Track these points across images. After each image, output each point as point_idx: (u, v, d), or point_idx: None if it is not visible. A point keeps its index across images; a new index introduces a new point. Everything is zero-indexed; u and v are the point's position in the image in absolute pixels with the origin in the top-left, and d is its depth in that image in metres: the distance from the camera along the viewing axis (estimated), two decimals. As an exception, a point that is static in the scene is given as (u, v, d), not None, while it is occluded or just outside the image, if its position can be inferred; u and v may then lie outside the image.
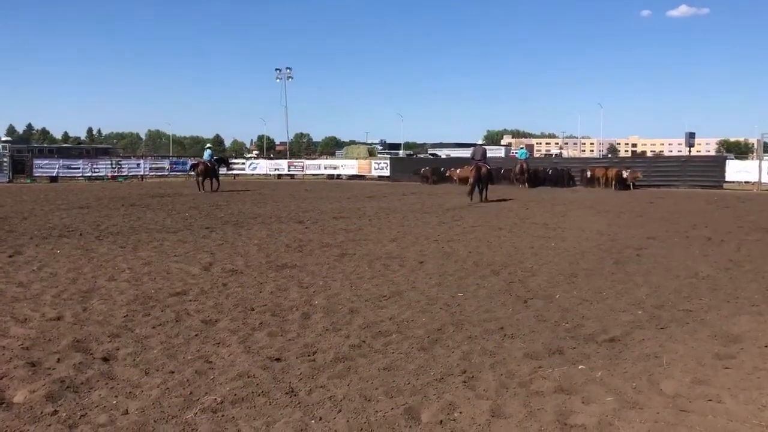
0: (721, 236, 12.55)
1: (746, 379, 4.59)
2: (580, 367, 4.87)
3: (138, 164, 45.52)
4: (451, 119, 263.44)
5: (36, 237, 11.97)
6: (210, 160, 29.53)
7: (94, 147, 79.66)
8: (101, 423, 3.85)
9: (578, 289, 7.65)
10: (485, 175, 21.64)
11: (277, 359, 5.01)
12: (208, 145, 33.79)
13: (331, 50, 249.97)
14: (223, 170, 33.78)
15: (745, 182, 32.33)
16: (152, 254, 10.08)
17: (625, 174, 31.37)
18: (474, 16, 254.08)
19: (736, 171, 33.09)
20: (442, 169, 38.75)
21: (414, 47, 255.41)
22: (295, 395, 4.30)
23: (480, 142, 26.21)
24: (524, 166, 32.96)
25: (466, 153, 52.50)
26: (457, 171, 36.00)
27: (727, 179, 32.25)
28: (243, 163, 51.51)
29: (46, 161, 41.66)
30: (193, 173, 30.29)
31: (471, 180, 21.37)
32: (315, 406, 4.11)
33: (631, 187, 30.77)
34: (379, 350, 5.27)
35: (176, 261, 9.47)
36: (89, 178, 40.42)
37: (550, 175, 33.61)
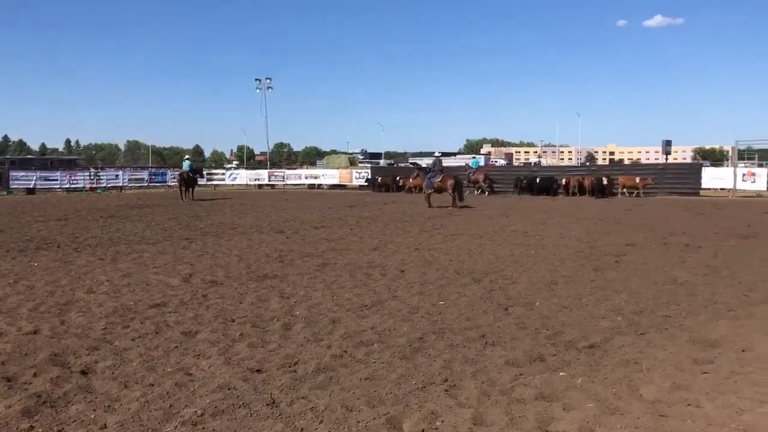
0: (698, 242, 12.70)
1: (724, 383, 4.64)
2: (560, 373, 4.90)
3: (117, 175, 45.23)
4: (432, 128, 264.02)
5: (13, 249, 11.80)
6: (190, 171, 31.41)
7: (57, 158, 77.15)
8: (79, 438, 3.80)
9: (558, 296, 7.70)
10: (460, 184, 24.02)
11: (258, 370, 4.98)
12: (187, 156, 34.97)
13: (312, 60, 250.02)
14: (202, 180, 35.13)
15: (721, 189, 32.80)
16: (131, 266, 9.99)
17: (638, 180, 32.29)
18: (452, 26, 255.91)
19: (712, 178, 33.57)
20: (398, 178, 39.23)
21: (394, 57, 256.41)
22: (276, 406, 4.27)
23: (437, 153, 28.39)
24: (487, 174, 36.02)
25: (446, 162, 52.99)
26: (410, 180, 36.52)
27: (703, 186, 32.73)
28: (223, 174, 51.33)
29: (23, 173, 41.16)
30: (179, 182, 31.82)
31: (449, 189, 23.22)
32: (296, 417, 4.09)
33: (641, 194, 31.46)
34: (361, 360, 5.26)
35: (156, 272, 9.39)
36: (67, 189, 40.07)
37: (538, 183, 34.20)
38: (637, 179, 32.45)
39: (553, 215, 20.02)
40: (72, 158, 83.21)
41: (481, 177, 35.57)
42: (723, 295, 7.73)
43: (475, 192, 34.64)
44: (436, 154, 28.10)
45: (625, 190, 32.37)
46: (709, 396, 4.38)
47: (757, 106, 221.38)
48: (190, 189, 30.51)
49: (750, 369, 4.94)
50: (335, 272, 9.41)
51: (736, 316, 6.70)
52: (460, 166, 41.60)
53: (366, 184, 42.11)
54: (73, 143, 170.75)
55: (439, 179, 23.39)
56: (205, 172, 45.94)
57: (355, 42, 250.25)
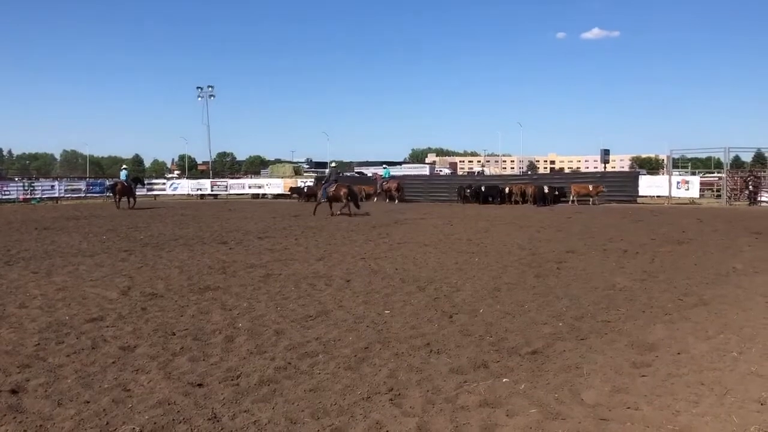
0: (636, 249, 13.07)
1: (661, 385, 4.77)
2: (504, 380, 4.95)
3: (53, 186, 43.77)
4: (377, 138, 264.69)
5: (-62, 264, 11.26)
6: (126, 180, 31.46)
7: None
8: (8, 460, 3.63)
9: (501, 303, 7.79)
10: (354, 193, 25.59)
11: (199, 385, 4.86)
12: (124, 165, 35.18)
13: (254, 68, 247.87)
14: (142, 190, 34.99)
15: (657, 196, 33.94)
16: (67, 279, 9.65)
17: (590, 188, 33.34)
18: (396, 37, 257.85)
19: (648, 186, 34.74)
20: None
21: (338, 65, 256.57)
22: (218, 421, 4.17)
23: (333, 164, 31.75)
24: (399, 184, 38.37)
25: (393, 171, 53.48)
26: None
27: (640, 194, 33.81)
28: (164, 184, 50.33)
29: (-50, 184, 39.41)
30: (110, 193, 32.38)
31: (342, 198, 24.71)
32: (239, 432, 4.00)
33: (593, 202, 32.40)
34: (305, 371, 5.20)
35: (93, 285, 9.10)
36: (-1, 200, 38.55)
37: (483, 192, 34.88)
38: (590, 187, 33.39)
39: (496, 223, 20.32)
40: None
41: (393, 186, 37.72)
42: (659, 299, 7.96)
43: (386, 200, 36.83)
44: (332, 165, 31.03)
45: (576, 197, 33.27)
46: (647, 398, 4.49)
47: (690, 116, 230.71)
48: (129, 199, 30.34)
49: (685, 371, 5.09)
50: (279, 283, 9.30)
51: (671, 319, 6.90)
52: (368, 177, 43.17)
53: (291, 194, 41.84)
54: (5, 153, 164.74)
55: (333, 188, 24.90)
56: (145, 182, 45.10)
57: (299, 50, 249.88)
